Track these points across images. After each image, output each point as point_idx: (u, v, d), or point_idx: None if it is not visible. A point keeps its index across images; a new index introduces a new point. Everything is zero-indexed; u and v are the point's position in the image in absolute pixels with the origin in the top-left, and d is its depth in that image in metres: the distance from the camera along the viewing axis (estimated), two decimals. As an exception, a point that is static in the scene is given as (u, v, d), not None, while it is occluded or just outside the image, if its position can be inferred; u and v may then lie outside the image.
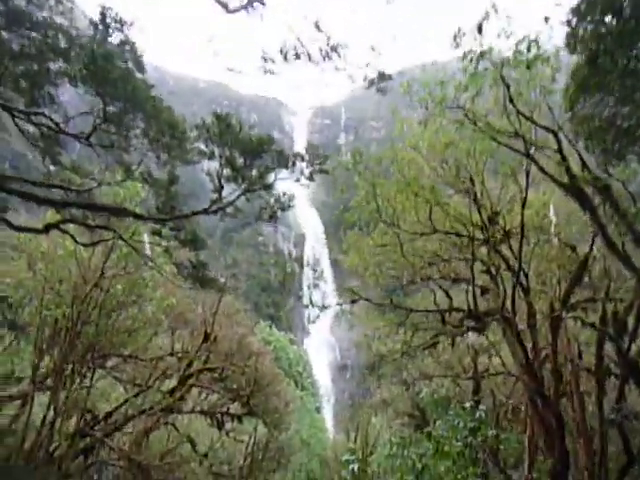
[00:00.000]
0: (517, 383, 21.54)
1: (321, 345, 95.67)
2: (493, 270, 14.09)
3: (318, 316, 14.97)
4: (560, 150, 9.93)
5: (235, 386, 23.47)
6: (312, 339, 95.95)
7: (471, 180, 12.31)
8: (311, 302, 15.00)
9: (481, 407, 15.46)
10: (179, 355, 21.42)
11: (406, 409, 23.82)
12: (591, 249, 13.49)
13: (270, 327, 40.53)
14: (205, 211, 12.46)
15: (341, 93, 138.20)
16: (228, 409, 24.21)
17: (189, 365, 19.27)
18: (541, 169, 10.46)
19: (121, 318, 18.82)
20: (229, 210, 14.04)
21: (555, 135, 9.95)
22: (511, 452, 21.17)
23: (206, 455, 25.86)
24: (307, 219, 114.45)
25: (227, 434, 25.83)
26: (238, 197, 12.50)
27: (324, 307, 14.90)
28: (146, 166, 15.56)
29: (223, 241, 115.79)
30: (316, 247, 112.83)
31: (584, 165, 9.76)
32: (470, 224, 12.82)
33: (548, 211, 14.24)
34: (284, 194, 12.88)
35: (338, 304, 15.04)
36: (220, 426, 25.52)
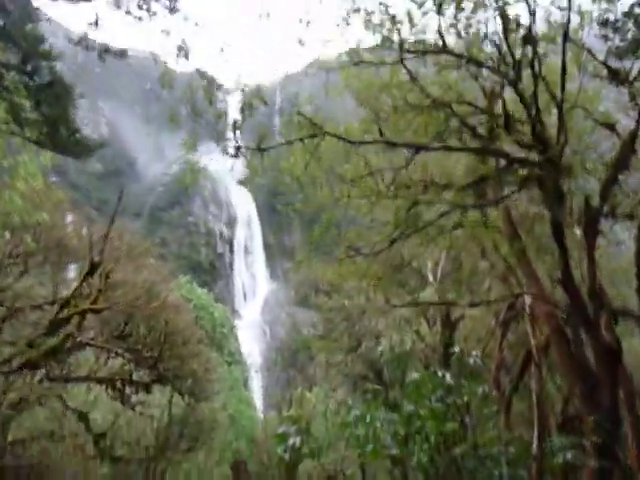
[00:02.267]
0: (492, 334, 17.81)
1: (252, 327, 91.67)
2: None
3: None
4: None
5: (140, 346, 18.35)
6: (243, 321, 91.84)
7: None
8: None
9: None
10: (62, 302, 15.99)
11: (358, 371, 19.49)
12: (638, 125, 9.66)
13: (191, 283, 35.15)
14: None
15: (275, 76, 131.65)
16: (131, 376, 18.99)
17: (64, 305, 14.00)
18: None
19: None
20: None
21: None
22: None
23: (103, 434, 20.61)
24: (239, 200, 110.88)
25: (133, 408, 20.59)
26: None
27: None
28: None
29: (151, 220, 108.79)
30: (248, 229, 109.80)
31: None
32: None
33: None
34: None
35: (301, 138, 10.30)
36: (123, 398, 20.32)
